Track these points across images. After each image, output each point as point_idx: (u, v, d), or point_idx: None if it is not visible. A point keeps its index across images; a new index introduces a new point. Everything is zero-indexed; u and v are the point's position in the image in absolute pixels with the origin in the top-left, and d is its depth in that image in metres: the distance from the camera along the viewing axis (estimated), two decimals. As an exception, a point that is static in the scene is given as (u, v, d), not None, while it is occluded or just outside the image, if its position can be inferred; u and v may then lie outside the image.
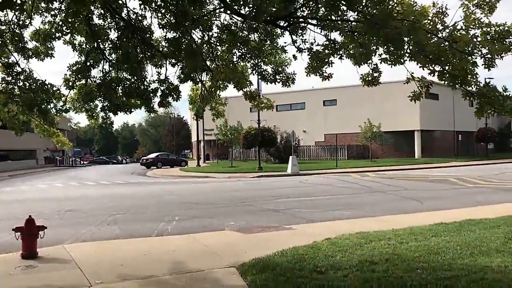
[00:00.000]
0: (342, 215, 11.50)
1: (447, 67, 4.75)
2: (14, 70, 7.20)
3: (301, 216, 11.54)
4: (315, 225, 10.02)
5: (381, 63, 5.55)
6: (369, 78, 5.73)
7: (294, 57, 5.91)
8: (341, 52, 5.55)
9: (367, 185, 19.66)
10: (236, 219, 11.04)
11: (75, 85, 7.59)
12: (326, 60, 5.66)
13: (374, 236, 8.00)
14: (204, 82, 7.84)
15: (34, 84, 7.06)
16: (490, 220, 9.43)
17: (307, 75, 5.94)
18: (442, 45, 4.98)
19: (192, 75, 7.27)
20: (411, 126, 44.33)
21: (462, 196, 15.35)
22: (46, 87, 7.05)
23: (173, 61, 7.06)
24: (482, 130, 47.36)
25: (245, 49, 6.49)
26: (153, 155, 50.40)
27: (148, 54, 7.21)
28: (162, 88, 7.41)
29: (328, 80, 5.96)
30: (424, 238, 7.78)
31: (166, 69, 7.44)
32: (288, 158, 31.51)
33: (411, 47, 4.84)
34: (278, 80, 6.92)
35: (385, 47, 5.07)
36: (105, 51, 7.41)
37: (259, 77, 7.02)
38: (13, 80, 7.15)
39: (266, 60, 7.09)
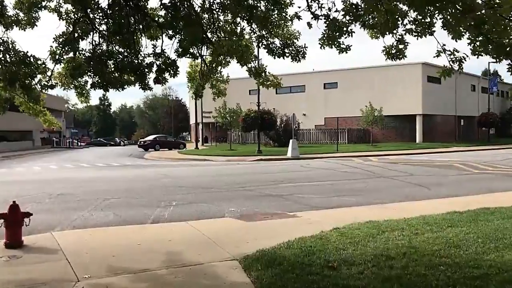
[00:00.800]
0: (348, 201, 10.98)
1: (490, 36, 4.10)
2: (-7, 40, 6.50)
3: (305, 202, 11.01)
4: (321, 213, 9.50)
5: (405, 34, 4.90)
6: (393, 51, 5.08)
7: (309, 25, 5.21)
8: (362, 19, 4.86)
9: (371, 170, 19.12)
10: (236, 205, 10.50)
11: (62, 58, 6.89)
12: (345, 29, 4.99)
13: (385, 225, 7.47)
14: (204, 57, 7.14)
15: (16, 57, 6.37)
16: (506, 209, 8.92)
17: (321, 47, 5.26)
18: (479, 13, 4.32)
19: (191, 48, 6.56)
20: (413, 110, 43.66)
21: (470, 182, 14.84)
22: (29, 60, 6.35)
23: (170, 32, 6.33)
24: (485, 115, 46.76)
25: (250, 17, 5.77)
26: (151, 137, 49.73)
27: (143, 24, 6.51)
28: (157, 62, 6.71)
29: (346, 52, 5.28)
30: (440, 228, 7.25)
31: (163, 41, 6.74)
32: (287, 141, 30.92)
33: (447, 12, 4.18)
34: (287, 54, 6.22)
35: (415, 14, 4.40)
36: (95, 21, 6.69)
37: (266, 50, 6.33)
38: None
39: (273, 32, 6.39)
